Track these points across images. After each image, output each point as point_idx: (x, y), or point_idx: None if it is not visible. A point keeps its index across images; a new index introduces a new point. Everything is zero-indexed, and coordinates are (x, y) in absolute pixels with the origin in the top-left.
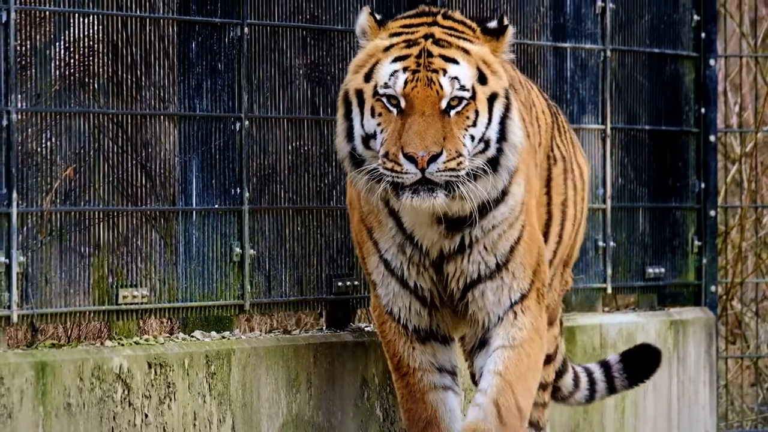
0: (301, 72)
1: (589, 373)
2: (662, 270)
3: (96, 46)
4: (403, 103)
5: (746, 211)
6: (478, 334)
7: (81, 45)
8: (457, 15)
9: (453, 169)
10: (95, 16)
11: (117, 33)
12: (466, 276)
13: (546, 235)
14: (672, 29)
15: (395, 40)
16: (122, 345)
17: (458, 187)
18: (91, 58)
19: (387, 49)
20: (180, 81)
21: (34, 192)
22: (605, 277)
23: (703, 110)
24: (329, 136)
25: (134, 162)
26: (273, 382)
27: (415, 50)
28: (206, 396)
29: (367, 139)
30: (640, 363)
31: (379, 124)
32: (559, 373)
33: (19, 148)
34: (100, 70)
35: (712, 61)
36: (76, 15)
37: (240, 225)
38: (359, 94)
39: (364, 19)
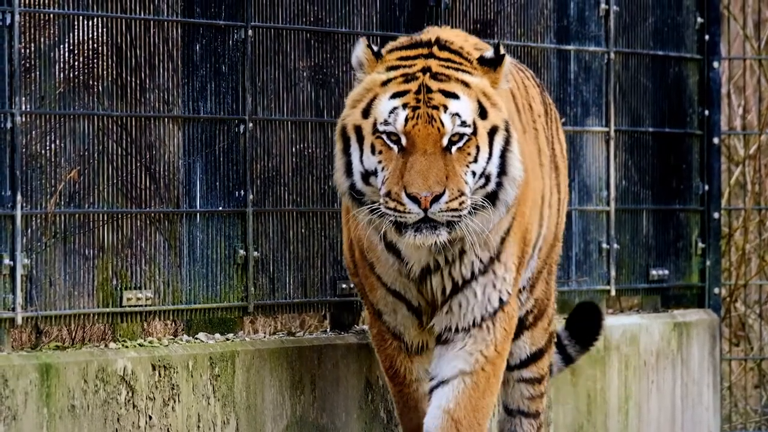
0: (305, 74)
1: None
2: (666, 272)
3: (100, 48)
4: (404, 141)
5: (750, 213)
6: (450, 327)
7: (85, 47)
8: (453, 41)
9: (455, 209)
10: (99, 19)
11: (121, 35)
12: (461, 278)
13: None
14: (675, 31)
15: (392, 74)
16: (126, 347)
17: (459, 225)
18: (95, 60)
19: (384, 83)
20: (184, 83)
21: (39, 194)
22: (609, 279)
23: (706, 112)
24: (333, 138)
25: (138, 164)
26: (277, 384)
27: (413, 85)
28: (210, 398)
29: (367, 175)
30: (585, 325)
31: (380, 162)
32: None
33: (24, 150)
34: (104, 72)
35: (715, 64)
36: (80, 17)
37: (244, 227)
38: (358, 130)
39: (360, 51)
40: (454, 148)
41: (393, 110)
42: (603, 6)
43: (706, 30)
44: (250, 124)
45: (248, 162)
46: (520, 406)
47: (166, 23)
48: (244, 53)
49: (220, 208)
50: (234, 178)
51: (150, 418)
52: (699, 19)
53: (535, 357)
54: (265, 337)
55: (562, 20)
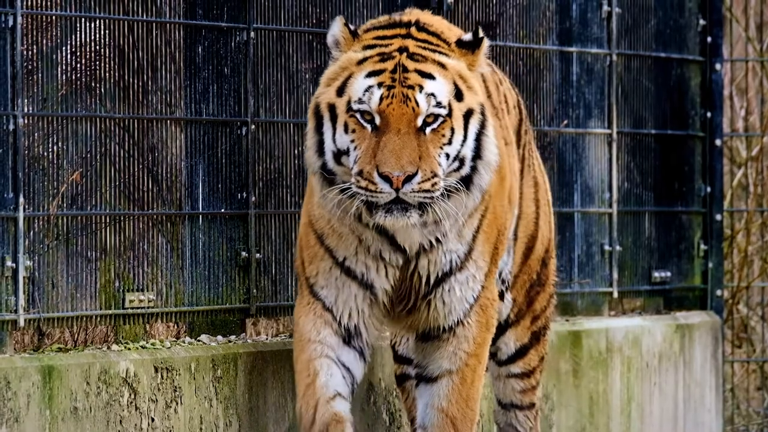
0: (307, 76)
1: None
2: (668, 274)
3: (102, 50)
4: (378, 120)
5: (752, 215)
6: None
7: (87, 49)
8: (432, 24)
9: (427, 190)
10: (101, 21)
11: (123, 37)
12: (438, 270)
13: (515, 233)
14: (678, 33)
15: (369, 53)
16: (129, 349)
17: (431, 207)
18: (97, 62)
19: (360, 62)
20: (186, 85)
21: (41, 196)
22: (611, 281)
23: (708, 114)
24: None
25: (141, 166)
26: (279, 386)
27: (389, 64)
28: (213, 400)
29: (339, 155)
30: None
31: (352, 141)
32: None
33: (26, 152)
34: (107, 74)
35: (717, 66)
36: (83, 19)
37: (246, 229)
38: (331, 108)
39: (337, 29)
40: (428, 129)
41: (368, 89)
42: (605, 8)
43: (708, 32)
44: (253, 126)
45: (250, 164)
46: (513, 400)
47: (168, 25)
48: (246, 55)
49: (223, 210)
50: (236, 180)
51: (152, 420)
52: (701, 21)
53: (522, 352)
54: (267, 339)
55: (565, 22)
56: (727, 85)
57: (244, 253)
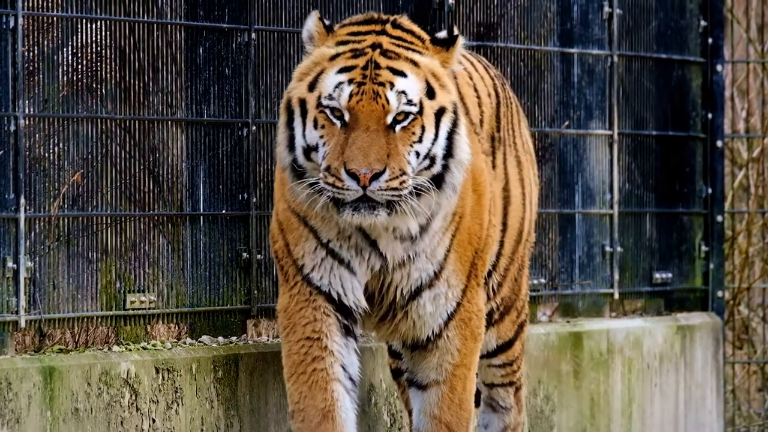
0: None
1: None
2: (669, 275)
3: (103, 51)
4: (347, 117)
5: (753, 216)
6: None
7: (88, 50)
8: (407, 23)
9: (395, 189)
10: (103, 22)
11: (124, 38)
12: (412, 284)
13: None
14: (679, 35)
15: (341, 48)
16: (130, 350)
17: (399, 205)
18: (98, 63)
19: (333, 58)
20: (187, 86)
21: (42, 197)
22: (612, 283)
23: (710, 115)
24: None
25: (142, 167)
26: (280, 387)
27: (361, 61)
28: (214, 401)
29: (309, 150)
30: None
31: (321, 137)
32: None
33: (27, 153)
34: (108, 75)
35: (719, 67)
36: (84, 20)
37: (247, 230)
38: (302, 103)
39: (312, 24)
40: (398, 127)
41: (338, 85)
42: (606, 9)
43: (709, 33)
44: (254, 127)
45: (251, 165)
46: (494, 381)
47: (169, 26)
48: (247, 56)
49: (224, 211)
50: (237, 181)
51: (153, 421)
52: (702, 23)
53: (503, 348)
54: (268, 340)
55: (566, 23)
56: (728, 86)
57: (245, 254)
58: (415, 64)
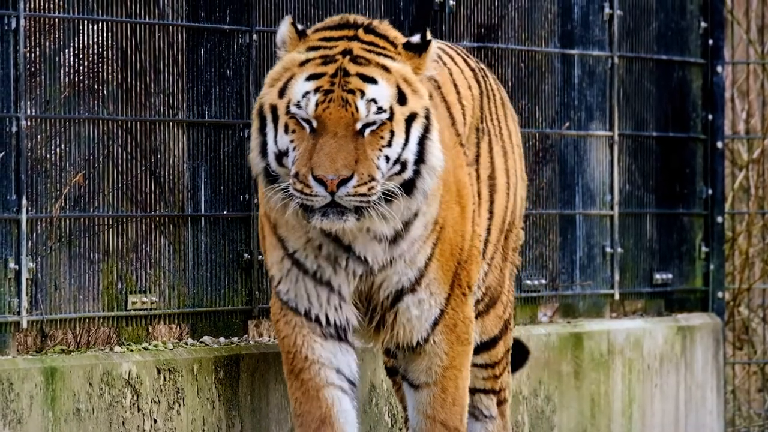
0: None
1: None
2: (670, 276)
3: (105, 52)
4: (315, 124)
5: (753, 217)
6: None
7: (90, 52)
8: (381, 27)
9: (363, 194)
10: (104, 23)
11: (126, 40)
12: (392, 290)
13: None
14: (679, 36)
15: (312, 54)
16: (131, 351)
17: (368, 211)
18: (100, 64)
19: (302, 63)
20: (189, 88)
21: (44, 198)
22: (613, 283)
23: (710, 117)
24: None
25: (143, 168)
26: (282, 387)
27: (331, 68)
28: (215, 401)
29: (281, 156)
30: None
31: (291, 141)
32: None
33: (29, 154)
34: (110, 76)
35: (719, 68)
36: (86, 22)
37: (248, 231)
38: (273, 109)
39: (284, 28)
40: (366, 131)
41: (306, 94)
42: (607, 10)
43: (709, 34)
44: None
45: None
46: (476, 385)
47: (170, 28)
48: (248, 58)
49: (225, 212)
50: (238, 182)
51: (155, 421)
52: (702, 24)
53: (488, 346)
54: (269, 340)
55: (566, 25)
56: (729, 87)
57: (246, 255)
58: (386, 69)
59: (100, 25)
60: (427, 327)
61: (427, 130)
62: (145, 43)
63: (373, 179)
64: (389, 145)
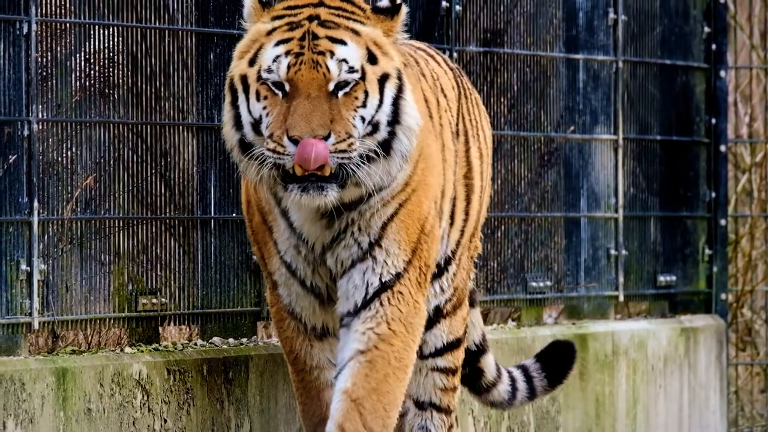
0: None
1: (509, 373)
2: (673, 278)
3: (116, 57)
4: (287, 87)
5: (756, 220)
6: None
7: (101, 56)
8: None
9: (344, 151)
10: (115, 28)
11: (136, 44)
12: (344, 262)
13: (452, 214)
14: (683, 41)
15: (278, 23)
16: (142, 351)
17: (352, 170)
18: (111, 69)
19: (269, 33)
20: (198, 92)
21: (55, 201)
22: (617, 285)
23: (713, 121)
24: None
25: (153, 171)
26: (290, 388)
27: (298, 33)
28: (224, 402)
29: (256, 124)
30: (557, 364)
31: (264, 108)
32: (480, 352)
33: (40, 157)
34: (120, 80)
35: (722, 73)
36: (97, 27)
37: None
38: (244, 79)
39: (248, 2)
40: (340, 93)
41: (276, 58)
42: (611, 15)
43: (713, 39)
44: None
45: None
46: (432, 397)
47: (180, 32)
48: None
49: (234, 215)
50: None
51: (165, 421)
52: (706, 29)
53: (452, 346)
54: (278, 341)
55: (571, 29)
56: (732, 91)
57: (254, 257)
58: (355, 32)
59: (110, 30)
60: (370, 291)
61: (400, 90)
62: (155, 48)
63: (351, 136)
64: (364, 105)
